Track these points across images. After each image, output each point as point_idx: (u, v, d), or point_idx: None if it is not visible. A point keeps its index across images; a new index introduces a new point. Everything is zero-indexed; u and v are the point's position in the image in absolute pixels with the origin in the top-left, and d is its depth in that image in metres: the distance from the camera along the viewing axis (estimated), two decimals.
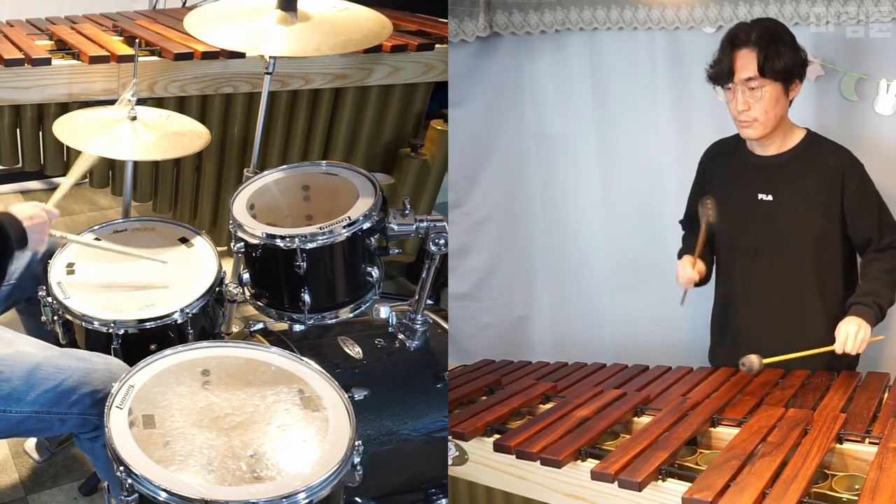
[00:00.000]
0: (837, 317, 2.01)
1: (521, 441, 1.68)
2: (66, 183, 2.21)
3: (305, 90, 2.88)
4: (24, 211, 1.96)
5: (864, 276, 2.03)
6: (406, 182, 3.06)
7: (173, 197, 3.03)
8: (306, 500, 1.52)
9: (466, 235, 2.84)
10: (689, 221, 2.30)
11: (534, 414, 1.90)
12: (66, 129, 2.34)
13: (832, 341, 1.95)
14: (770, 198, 2.06)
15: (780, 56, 1.93)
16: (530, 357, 2.50)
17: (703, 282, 2.17)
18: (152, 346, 1.99)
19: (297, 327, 2.15)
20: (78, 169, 2.26)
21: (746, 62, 1.94)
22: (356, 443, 1.63)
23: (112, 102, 2.45)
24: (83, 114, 2.44)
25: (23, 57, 2.55)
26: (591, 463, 1.58)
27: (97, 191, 3.16)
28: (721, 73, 1.99)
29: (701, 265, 2.13)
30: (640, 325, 2.78)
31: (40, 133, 2.71)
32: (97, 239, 2.23)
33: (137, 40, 2.70)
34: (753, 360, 1.90)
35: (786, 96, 1.98)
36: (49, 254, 2.16)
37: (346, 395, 1.74)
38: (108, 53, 2.64)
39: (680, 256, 2.23)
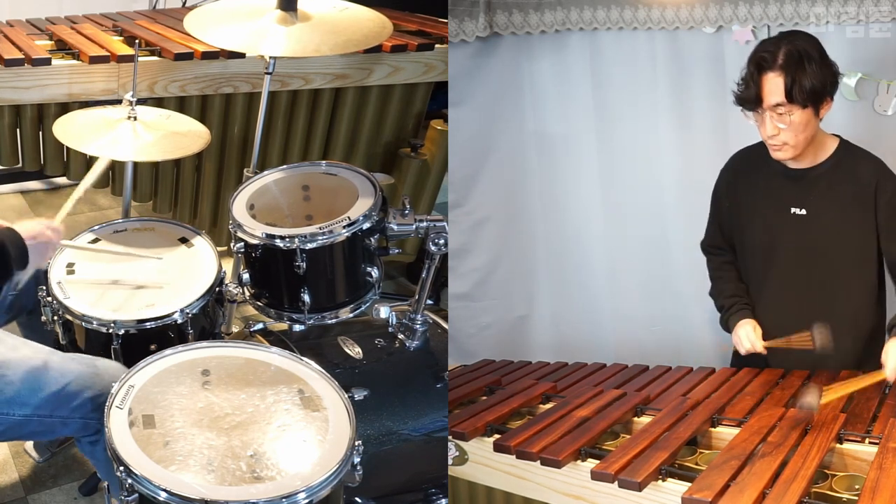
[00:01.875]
0: (869, 331, 1.99)
1: (521, 441, 1.68)
2: (74, 195, 2.19)
3: (305, 90, 2.88)
4: (29, 229, 1.91)
5: None
6: (406, 182, 3.06)
7: (173, 197, 3.03)
8: (306, 500, 1.52)
9: (466, 235, 2.84)
10: (721, 244, 2.18)
11: (534, 414, 1.90)
12: (66, 129, 2.34)
13: (864, 357, 1.94)
14: (804, 212, 1.99)
15: (808, 77, 1.84)
16: (530, 357, 2.50)
17: None
18: (152, 346, 1.99)
19: (297, 327, 2.15)
20: (88, 179, 2.25)
21: (773, 87, 1.86)
22: (356, 443, 1.63)
23: (112, 102, 2.45)
24: (83, 114, 2.44)
25: (23, 57, 2.55)
26: (591, 463, 1.58)
27: (97, 191, 3.16)
28: (749, 99, 1.90)
29: (759, 330, 2.04)
30: (640, 325, 2.78)
31: (40, 133, 2.71)
32: (97, 239, 2.24)
33: (137, 40, 2.70)
34: (812, 402, 1.64)
35: (816, 117, 1.91)
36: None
37: (346, 395, 1.74)
38: (108, 53, 2.64)
39: (720, 303, 2.13)
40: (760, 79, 1.88)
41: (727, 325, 2.11)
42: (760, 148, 2.04)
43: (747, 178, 2.09)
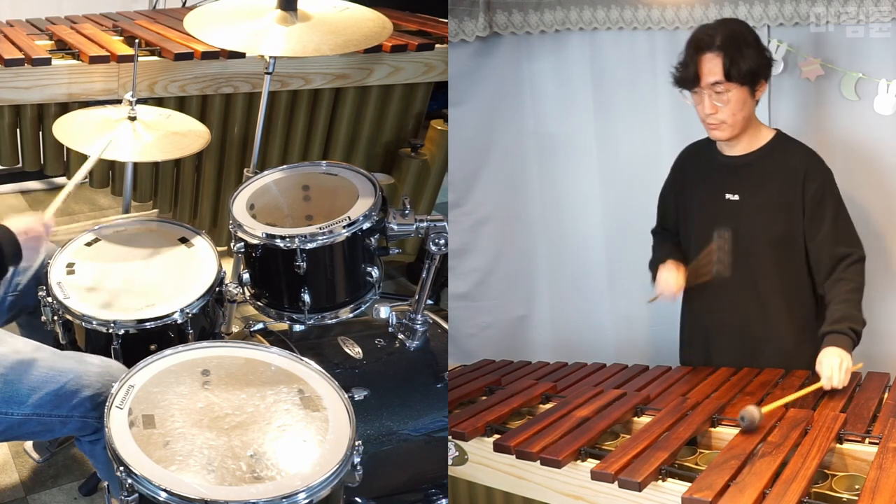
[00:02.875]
0: (803, 319, 2.03)
1: (521, 441, 1.68)
2: (65, 190, 2.19)
3: (305, 90, 2.88)
4: (20, 224, 1.91)
5: (833, 300, 1.98)
6: (406, 182, 3.06)
7: (173, 197, 3.03)
8: (306, 500, 1.52)
9: (466, 235, 2.84)
10: (663, 231, 2.30)
11: (534, 414, 1.90)
12: (66, 129, 2.34)
13: (798, 343, 2.00)
14: (737, 197, 2.07)
15: (745, 59, 1.94)
16: (530, 357, 2.50)
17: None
18: (152, 346, 1.99)
19: (297, 327, 2.16)
20: (80, 174, 2.25)
21: (712, 66, 1.95)
22: (356, 443, 1.63)
23: (112, 102, 2.45)
24: (83, 114, 2.44)
25: (23, 57, 2.56)
26: (591, 463, 1.58)
27: (97, 191, 3.16)
28: (687, 78, 2.00)
29: (683, 276, 2.10)
30: (640, 325, 2.78)
31: (40, 133, 2.71)
32: (97, 239, 2.24)
33: (137, 40, 2.70)
34: (754, 414, 1.68)
35: (752, 97, 2.00)
36: (49, 255, 2.16)
37: (346, 395, 1.74)
38: (108, 53, 2.64)
39: (655, 265, 2.19)
40: (699, 59, 1.97)
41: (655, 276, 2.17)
42: (706, 141, 2.13)
43: (692, 168, 2.18)
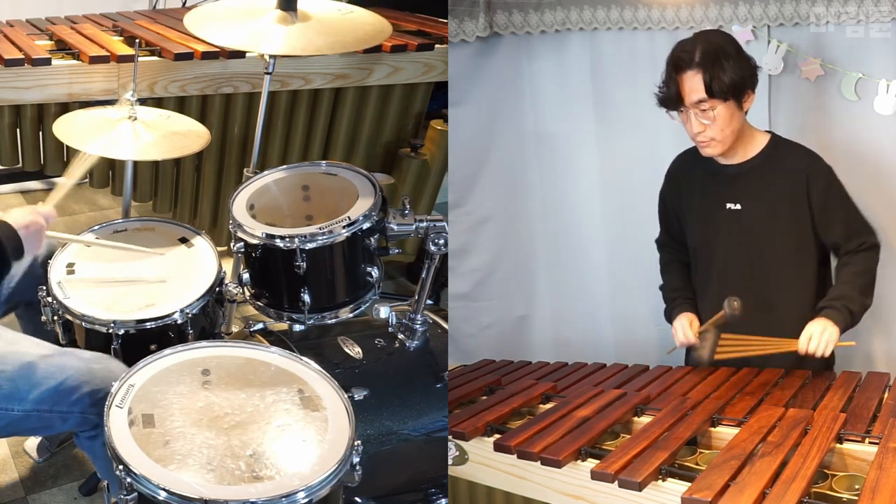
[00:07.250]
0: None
1: (521, 441, 1.68)
2: (65, 184, 2.20)
3: (305, 90, 2.88)
4: (20, 219, 1.90)
5: (837, 280, 2.02)
6: (406, 182, 3.06)
7: (173, 197, 3.03)
8: (305, 500, 1.52)
9: (466, 235, 2.84)
10: (669, 242, 2.28)
11: (534, 414, 1.90)
12: (66, 129, 2.34)
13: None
14: (738, 207, 2.05)
15: (727, 72, 1.90)
16: (530, 357, 2.50)
17: None
18: (152, 346, 1.98)
19: (297, 327, 2.15)
20: (77, 171, 2.25)
21: (693, 84, 1.91)
22: (356, 443, 1.63)
23: (112, 102, 2.45)
24: (83, 114, 2.44)
25: (23, 57, 2.56)
26: (591, 463, 1.57)
27: (97, 191, 3.16)
28: (670, 99, 1.96)
29: (697, 324, 2.11)
30: (640, 325, 2.78)
31: (40, 133, 2.71)
32: (97, 238, 2.24)
33: (137, 40, 2.70)
34: (703, 356, 1.94)
35: (740, 109, 1.96)
36: (49, 255, 2.16)
37: (346, 395, 1.74)
38: (108, 53, 2.64)
39: (669, 299, 2.21)
40: (679, 78, 1.93)
41: (670, 318, 2.19)
42: (698, 149, 2.09)
43: (687, 179, 2.16)
